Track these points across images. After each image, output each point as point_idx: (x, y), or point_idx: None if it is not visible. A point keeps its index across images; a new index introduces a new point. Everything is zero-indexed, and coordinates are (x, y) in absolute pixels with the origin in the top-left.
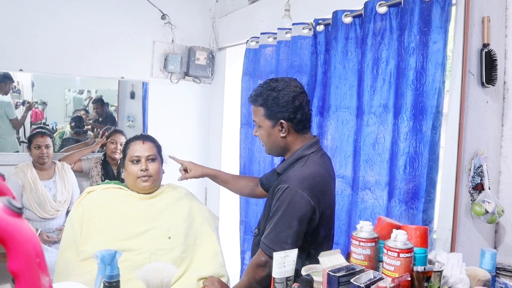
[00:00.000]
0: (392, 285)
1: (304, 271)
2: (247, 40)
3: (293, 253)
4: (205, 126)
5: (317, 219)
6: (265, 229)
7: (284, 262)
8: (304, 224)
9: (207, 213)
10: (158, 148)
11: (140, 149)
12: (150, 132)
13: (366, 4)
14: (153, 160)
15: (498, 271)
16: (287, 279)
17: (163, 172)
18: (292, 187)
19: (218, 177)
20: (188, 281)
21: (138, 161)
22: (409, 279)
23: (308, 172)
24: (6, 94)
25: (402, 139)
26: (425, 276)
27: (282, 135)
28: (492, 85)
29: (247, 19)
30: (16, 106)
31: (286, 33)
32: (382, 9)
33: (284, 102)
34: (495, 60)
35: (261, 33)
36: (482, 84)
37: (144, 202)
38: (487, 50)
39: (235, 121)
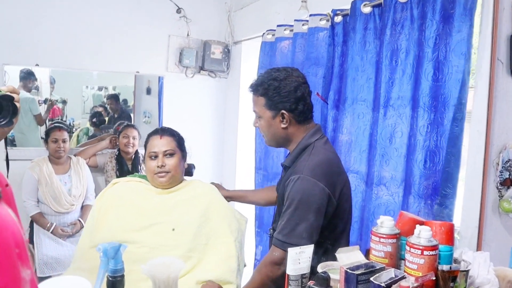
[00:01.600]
0: (415, 284)
1: (320, 268)
2: (263, 33)
3: (309, 249)
4: (221, 121)
5: (333, 208)
6: (274, 224)
7: (299, 258)
8: (321, 215)
9: (229, 213)
10: (179, 142)
11: (157, 145)
12: None
13: None
14: (171, 155)
15: None
16: (302, 276)
17: (186, 166)
18: (303, 176)
19: (241, 197)
20: (186, 281)
21: (155, 156)
22: (434, 278)
23: (317, 159)
24: (30, 91)
25: (421, 133)
26: (450, 275)
27: (283, 126)
28: None
29: (263, 11)
30: (39, 104)
31: (303, 25)
32: None
33: (286, 92)
34: None
35: (277, 26)
36: (511, 72)
37: (160, 197)
38: None
39: (250, 115)
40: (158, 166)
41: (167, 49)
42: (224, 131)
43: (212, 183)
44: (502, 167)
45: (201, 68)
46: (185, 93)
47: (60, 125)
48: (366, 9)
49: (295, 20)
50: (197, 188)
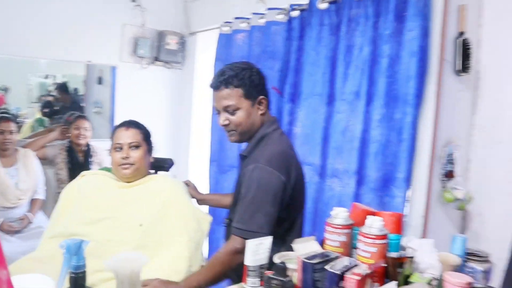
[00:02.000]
0: (367, 271)
1: (277, 258)
2: (220, 25)
3: (267, 240)
4: (175, 112)
5: (288, 197)
6: (230, 214)
7: (258, 250)
8: (278, 204)
9: (188, 212)
10: (145, 135)
11: (123, 136)
12: (118, 118)
13: None
14: (136, 147)
15: (467, 257)
16: (261, 267)
17: (152, 160)
18: (260, 165)
19: (213, 200)
20: None
21: (120, 148)
22: (384, 265)
23: (273, 149)
24: None
25: (373, 127)
26: (398, 262)
27: (261, 112)
28: (467, 73)
29: (220, 3)
30: None
31: (260, 18)
32: None
33: (258, 79)
34: (469, 48)
35: (235, 18)
36: (457, 72)
37: (120, 190)
38: (462, 39)
39: (205, 107)
40: (122, 158)
41: (121, 39)
42: (178, 123)
43: (187, 181)
44: (446, 160)
45: (156, 58)
46: (140, 83)
47: (7, 115)
48: (323, 5)
49: (252, 13)
50: (159, 183)
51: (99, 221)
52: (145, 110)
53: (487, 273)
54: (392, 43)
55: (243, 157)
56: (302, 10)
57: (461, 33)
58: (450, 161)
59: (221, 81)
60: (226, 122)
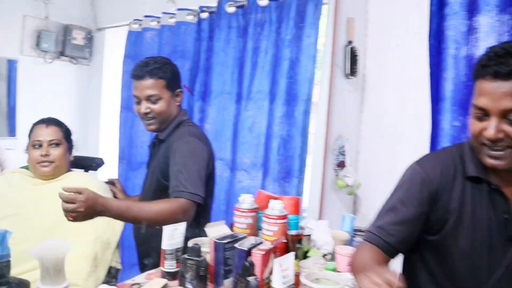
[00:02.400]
0: (271, 246)
1: (190, 243)
2: (129, 22)
3: (182, 226)
4: (82, 109)
5: (208, 175)
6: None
7: (173, 234)
8: (206, 173)
9: None
10: (65, 132)
11: (42, 134)
12: (20, 115)
13: None
14: (56, 145)
15: (355, 233)
16: (177, 250)
17: (72, 158)
18: (189, 138)
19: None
20: (32, 277)
21: (40, 145)
22: (285, 241)
23: (195, 130)
24: None
25: (276, 123)
26: (297, 238)
27: (178, 103)
28: (354, 77)
29: (129, 0)
30: None
31: (170, 18)
32: (263, 2)
33: (177, 73)
34: (357, 55)
35: (144, 16)
36: (346, 75)
37: (34, 188)
38: (351, 47)
39: (114, 104)
40: (41, 155)
41: (21, 31)
42: (86, 120)
43: (115, 180)
44: (338, 152)
45: (62, 53)
46: (44, 79)
47: None
48: (231, 9)
49: (162, 12)
50: (72, 181)
51: (5, 217)
52: (49, 106)
53: None
54: (292, 47)
55: (160, 141)
56: (211, 13)
57: (350, 42)
58: (342, 152)
59: (146, 72)
60: (148, 110)
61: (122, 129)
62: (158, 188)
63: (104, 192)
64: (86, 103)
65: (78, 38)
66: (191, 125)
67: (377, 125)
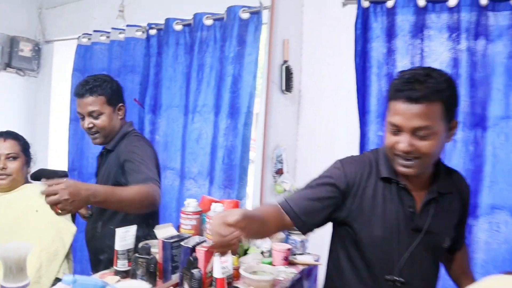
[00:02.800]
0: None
1: (141, 245)
2: (79, 36)
3: (133, 228)
4: (30, 121)
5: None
6: (100, 209)
7: (125, 236)
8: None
9: (48, 221)
10: (23, 146)
11: (0, 147)
12: None
13: (195, 15)
14: (14, 158)
15: (289, 232)
16: (128, 250)
17: (29, 172)
18: (140, 143)
19: None
20: None
21: None
22: None
23: (141, 137)
24: None
25: (221, 135)
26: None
27: (121, 117)
28: (290, 92)
29: (78, 14)
30: None
31: (120, 33)
32: (208, 22)
33: (118, 89)
34: (292, 73)
35: (94, 31)
36: (282, 91)
37: None
38: (286, 65)
39: (63, 116)
40: None
41: None
42: (34, 133)
43: None
44: (276, 160)
45: (8, 65)
46: None
47: None
48: (178, 27)
49: (112, 28)
50: (26, 193)
51: None
52: None
53: (303, 242)
54: (235, 64)
55: (108, 151)
56: (159, 29)
57: (285, 61)
58: (280, 160)
59: (86, 90)
60: (91, 125)
61: (72, 140)
62: None
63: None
64: (34, 114)
65: (25, 50)
66: (137, 135)
67: (313, 135)
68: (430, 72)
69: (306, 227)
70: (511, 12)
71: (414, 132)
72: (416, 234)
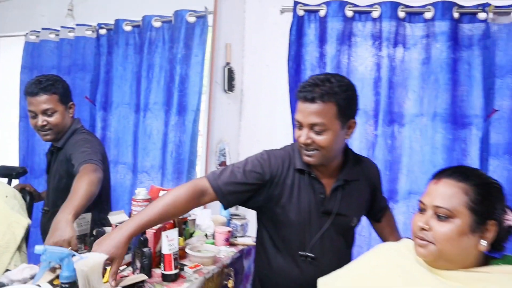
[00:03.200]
0: (161, 226)
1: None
2: (27, 33)
3: (88, 215)
4: None
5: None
6: (55, 204)
7: (81, 222)
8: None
9: (11, 216)
10: None
11: None
12: None
13: (144, 17)
14: None
15: (231, 216)
16: (84, 235)
17: None
18: (89, 137)
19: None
20: None
21: None
22: (172, 222)
23: (90, 134)
24: None
25: (171, 130)
26: (183, 221)
27: (71, 115)
28: (232, 91)
29: (25, 10)
30: None
31: (70, 32)
32: (157, 24)
33: (68, 88)
34: (234, 74)
35: (43, 28)
36: (225, 91)
37: None
38: (228, 67)
39: (11, 113)
40: None
41: None
42: None
43: (22, 186)
44: (220, 153)
45: None
46: None
47: None
48: (128, 28)
49: (61, 26)
50: None
51: None
52: None
53: (244, 226)
54: (182, 64)
55: (58, 149)
56: (109, 29)
57: (228, 63)
58: (223, 154)
59: (40, 88)
60: (45, 123)
61: (22, 137)
62: (68, 186)
63: (15, 197)
64: None
65: None
66: (85, 132)
67: (254, 130)
68: (330, 78)
69: (229, 205)
70: (424, 24)
71: (311, 127)
72: (327, 217)
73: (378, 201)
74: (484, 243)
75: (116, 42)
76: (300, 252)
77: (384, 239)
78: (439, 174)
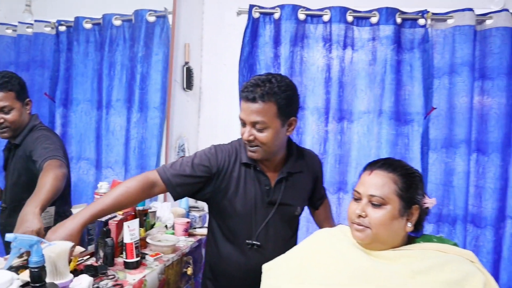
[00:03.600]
0: (122, 217)
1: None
2: None
3: (52, 209)
4: None
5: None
6: (13, 200)
7: (45, 215)
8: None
9: None
10: None
11: None
12: None
13: (104, 16)
14: None
15: (190, 208)
16: (48, 228)
17: None
18: (48, 133)
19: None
20: None
21: None
22: (133, 214)
23: (49, 130)
24: None
25: (133, 127)
26: (144, 212)
27: (28, 111)
28: (191, 89)
29: None
30: None
31: (28, 27)
32: (117, 22)
33: (24, 85)
34: (192, 73)
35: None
36: (184, 89)
37: None
38: (187, 66)
39: None
40: None
41: None
42: None
43: None
44: (179, 148)
45: None
46: None
47: None
48: (88, 25)
49: (19, 22)
50: None
51: None
52: None
53: (202, 217)
54: (143, 63)
55: (16, 146)
56: (68, 26)
57: (187, 62)
58: (182, 149)
59: (2, 84)
60: (1, 120)
61: None
62: (27, 182)
63: None
64: None
65: None
66: (43, 128)
67: (212, 127)
68: (271, 78)
69: (178, 196)
70: (370, 28)
71: (253, 125)
72: (272, 207)
73: (319, 190)
74: (410, 225)
75: (76, 39)
76: (247, 241)
77: (320, 225)
78: (370, 166)
